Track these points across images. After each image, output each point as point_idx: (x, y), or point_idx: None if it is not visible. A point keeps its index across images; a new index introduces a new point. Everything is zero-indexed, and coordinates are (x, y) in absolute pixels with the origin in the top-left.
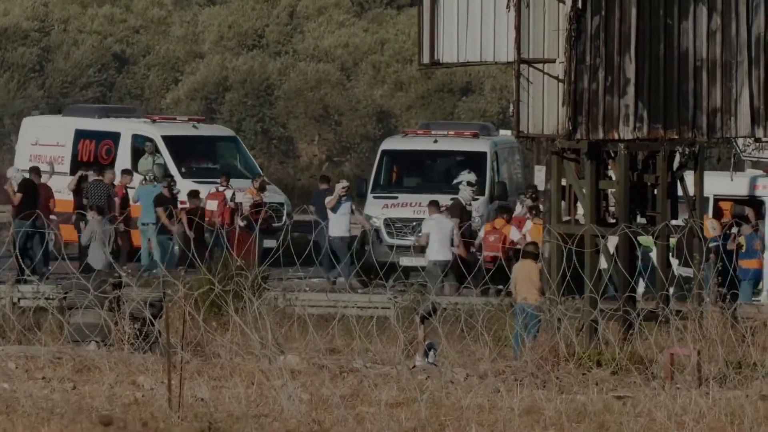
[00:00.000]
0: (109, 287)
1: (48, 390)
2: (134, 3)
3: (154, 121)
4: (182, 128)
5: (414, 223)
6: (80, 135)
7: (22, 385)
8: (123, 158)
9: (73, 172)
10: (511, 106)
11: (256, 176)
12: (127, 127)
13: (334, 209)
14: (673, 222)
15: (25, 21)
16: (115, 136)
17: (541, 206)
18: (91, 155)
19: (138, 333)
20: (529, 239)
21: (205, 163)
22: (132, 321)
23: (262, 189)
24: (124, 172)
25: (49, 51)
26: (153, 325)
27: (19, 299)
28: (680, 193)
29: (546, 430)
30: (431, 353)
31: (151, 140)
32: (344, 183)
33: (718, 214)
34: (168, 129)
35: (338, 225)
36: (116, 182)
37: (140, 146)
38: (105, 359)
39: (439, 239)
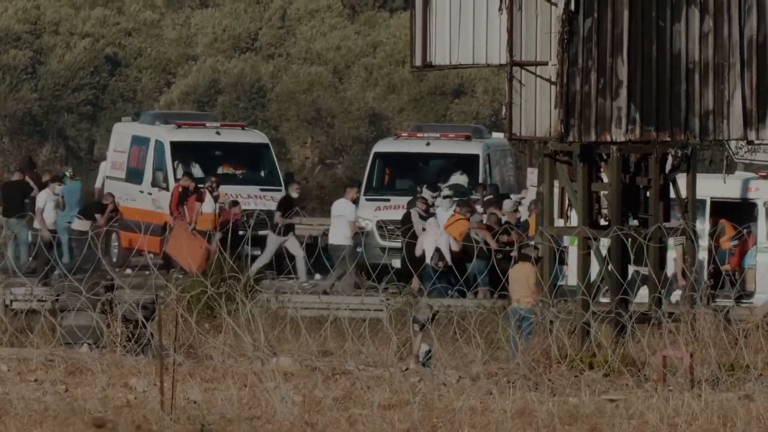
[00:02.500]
0: (102, 289)
1: (40, 392)
2: (126, 5)
3: (179, 126)
4: (201, 134)
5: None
6: (133, 142)
7: (14, 387)
8: (149, 164)
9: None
10: (504, 108)
11: (209, 179)
12: (154, 134)
13: None
14: (666, 224)
15: (17, 23)
16: (147, 142)
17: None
18: (137, 161)
19: (130, 335)
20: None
21: (221, 169)
22: (124, 323)
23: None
24: (186, 174)
25: (41, 53)
26: (145, 327)
27: (11, 301)
28: (673, 195)
29: None
30: (425, 356)
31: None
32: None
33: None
34: (182, 135)
35: None
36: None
37: (160, 152)
38: (97, 361)
39: (338, 222)
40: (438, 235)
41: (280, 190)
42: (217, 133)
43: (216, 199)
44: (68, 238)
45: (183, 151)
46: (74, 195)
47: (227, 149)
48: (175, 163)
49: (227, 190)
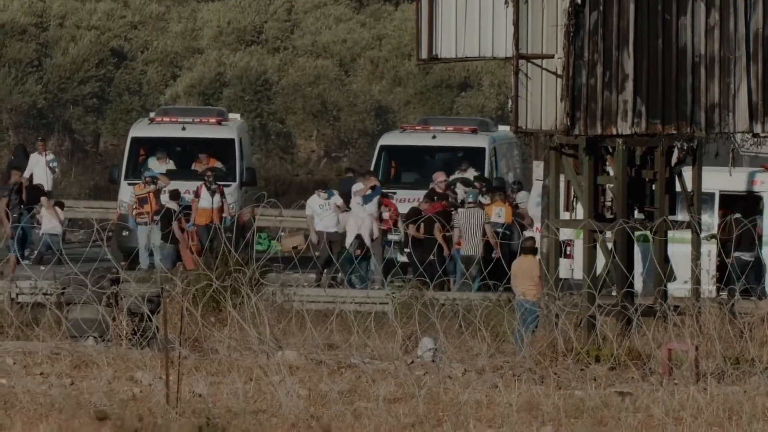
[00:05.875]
0: (107, 283)
1: (46, 386)
2: None
3: (151, 121)
4: (164, 130)
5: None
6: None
7: (20, 380)
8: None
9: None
10: (510, 101)
11: (206, 174)
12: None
13: None
14: (671, 217)
15: (23, 16)
16: None
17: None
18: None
19: (136, 329)
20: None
21: (194, 165)
22: (130, 316)
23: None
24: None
25: (47, 46)
26: (151, 320)
27: (17, 295)
28: (678, 188)
29: (544, 426)
30: (431, 351)
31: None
32: None
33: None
34: (146, 131)
35: None
36: None
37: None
38: (103, 355)
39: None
40: (361, 221)
41: (230, 186)
42: (183, 128)
43: (213, 193)
44: None
45: (145, 147)
46: None
47: (190, 144)
48: (139, 158)
49: (176, 185)
